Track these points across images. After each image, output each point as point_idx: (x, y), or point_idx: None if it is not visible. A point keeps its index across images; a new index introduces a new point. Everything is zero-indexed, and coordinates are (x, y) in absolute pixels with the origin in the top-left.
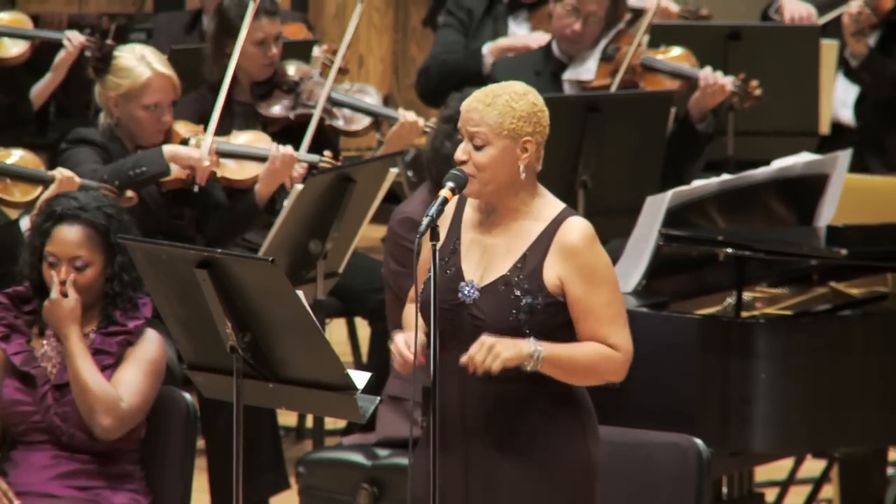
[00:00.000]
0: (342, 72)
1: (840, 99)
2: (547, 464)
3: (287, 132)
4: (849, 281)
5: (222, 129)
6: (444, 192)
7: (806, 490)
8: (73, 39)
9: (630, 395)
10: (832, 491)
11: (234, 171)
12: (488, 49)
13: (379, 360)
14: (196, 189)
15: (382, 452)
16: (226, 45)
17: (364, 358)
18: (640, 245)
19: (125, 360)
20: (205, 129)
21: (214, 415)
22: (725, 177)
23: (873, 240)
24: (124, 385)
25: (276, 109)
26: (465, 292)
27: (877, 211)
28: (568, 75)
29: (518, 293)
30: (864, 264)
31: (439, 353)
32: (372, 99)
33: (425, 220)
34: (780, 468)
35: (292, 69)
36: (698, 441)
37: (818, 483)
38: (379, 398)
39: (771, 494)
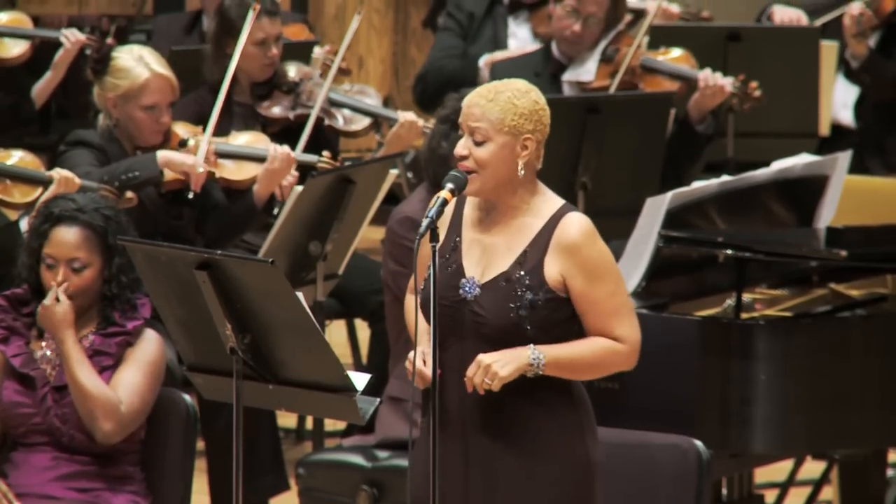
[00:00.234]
0: (345, 73)
1: (840, 100)
2: (546, 460)
3: (286, 133)
4: (849, 282)
5: (221, 130)
6: (444, 194)
7: (806, 492)
8: (72, 36)
9: (630, 396)
10: (832, 492)
11: (233, 171)
12: (485, 62)
13: (379, 362)
14: (191, 196)
15: (382, 454)
16: (226, 45)
17: (364, 359)
18: (639, 246)
19: (124, 361)
20: (203, 130)
21: (214, 416)
22: (725, 178)
23: (873, 241)
24: (124, 387)
25: (276, 110)
26: (466, 289)
27: (877, 212)
28: (567, 76)
29: (519, 289)
30: (863, 266)
31: (440, 350)
32: (372, 100)
33: (425, 222)
34: (779, 469)
35: (293, 70)
36: (698, 442)
37: (818, 484)
38: (379, 399)
39: (771, 496)
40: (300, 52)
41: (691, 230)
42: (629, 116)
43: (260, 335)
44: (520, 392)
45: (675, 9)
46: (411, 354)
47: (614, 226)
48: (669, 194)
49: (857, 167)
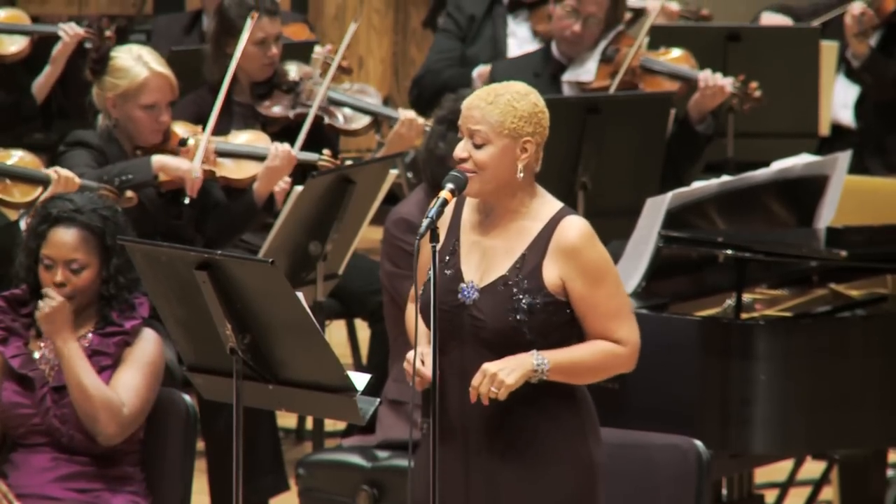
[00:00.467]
0: (346, 71)
1: (840, 100)
2: (548, 463)
3: (286, 132)
4: (849, 282)
5: (221, 130)
6: (444, 194)
7: (806, 492)
8: (70, 30)
9: (630, 396)
10: (832, 493)
11: (233, 170)
12: (478, 73)
13: (378, 362)
14: (186, 201)
15: (382, 454)
16: (226, 44)
17: (364, 359)
18: (639, 247)
19: (123, 361)
20: (203, 130)
21: (214, 416)
22: (725, 178)
23: (873, 241)
24: (124, 388)
25: (276, 109)
26: (465, 293)
27: (877, 212)
28: (567, 77)
29: (517, 293)
30: (864, 266)
31: (439, 355)
32: (372, 99)
33: (425, 222)
34: (779, 470)
35: (293, 70)
36: (698, 443)
37: (818, 485)
38: (378, 400)
39: (771, 496)
40: (300, 51)
41: (691, 230)
42: (629, 117)
43: (260, 335)
44: (521, 397)
45: (674, 6)
46: (409, 355)
47: (614, 226)
48: (669, 194)
49: (857, 167)
